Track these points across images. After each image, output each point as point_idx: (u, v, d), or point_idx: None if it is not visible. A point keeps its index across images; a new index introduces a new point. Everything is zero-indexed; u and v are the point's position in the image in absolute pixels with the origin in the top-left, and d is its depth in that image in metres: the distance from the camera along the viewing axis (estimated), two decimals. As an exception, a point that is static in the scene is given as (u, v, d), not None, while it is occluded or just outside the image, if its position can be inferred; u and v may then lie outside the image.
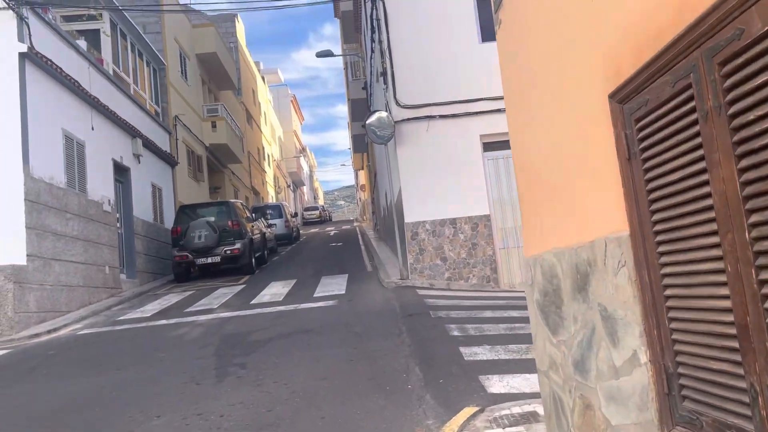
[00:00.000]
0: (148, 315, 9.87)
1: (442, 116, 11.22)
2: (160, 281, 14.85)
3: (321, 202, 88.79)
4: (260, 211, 24.65)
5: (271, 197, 40.07)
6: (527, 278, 3.16)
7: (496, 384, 4.47)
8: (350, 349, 5.99)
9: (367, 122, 11.25)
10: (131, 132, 14.55)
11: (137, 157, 14.88)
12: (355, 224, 41.45)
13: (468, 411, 3.89)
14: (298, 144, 59.98)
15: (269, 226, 22.37)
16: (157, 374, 5.73)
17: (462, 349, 5.56)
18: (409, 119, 11.23)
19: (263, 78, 43.90)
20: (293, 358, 5.83)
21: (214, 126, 22.61)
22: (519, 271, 10.99)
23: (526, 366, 4.92)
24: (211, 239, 14.03)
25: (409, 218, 11.06)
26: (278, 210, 25.41)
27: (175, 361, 6.23)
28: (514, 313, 7.35)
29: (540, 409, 3.61)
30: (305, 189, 66.51)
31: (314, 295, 10.18)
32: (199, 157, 21.23)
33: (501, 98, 10.43)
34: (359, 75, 22.79)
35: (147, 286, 14.02)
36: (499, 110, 11.14)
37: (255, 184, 33.81)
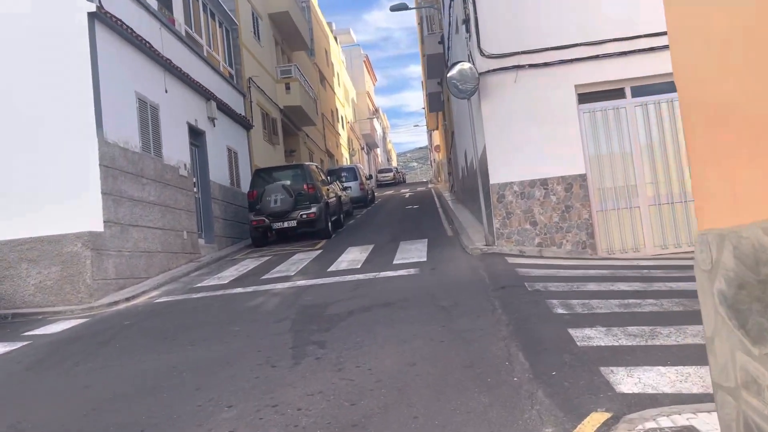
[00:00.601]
0: (225, 282, 9.61)
1: (531, 65, 10.13)
2: (238, 246, 14.74)
3: (394, 164, 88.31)
4: (335, 173, 24.32)
5: (345, 159, 39.82)
6: (701, 260, 2.31)
7: (624, 380, 3.67)
8: (439, 328, 5.32)
9: (447, 75, 10.34)
10: (205, 95, 14.29)
11: (212, 120, 14.65)
12: (430, 186, 40.62)
13: (597, 418, 3.13)
14: (371, 105, 59.31)
15: (344, 189, 21.98)
16: (231, 353, 5.28)
17: (572, 332, 4.76)
18: (494, 70, 10.22)
19: (335, 38, 43.23)
20: (376, 337, 5.23)
21: (287, 88, 22.25)
22: (619, 237, 9.93)
23: (656, 356, 4.08)
24: (287, 203, 13.68)
25: (494, 179, 10.17)
26: (353, 172, 24.97)
27: (249, 337, 5.79)
28: (623, 286, 6.43)
29: (699, 424, 2.80)
30: (378, 151, 66.07)
31: (394, 262, 9.57)
32: (273, 120, 20.95)
33: (600, 42, 9.09)
34: (435, 29, 21.63)
35: (225, 251, 13.91)
36: (597, 56, 9.96)
37: (329, 147, 33.54)
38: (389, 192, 36.79)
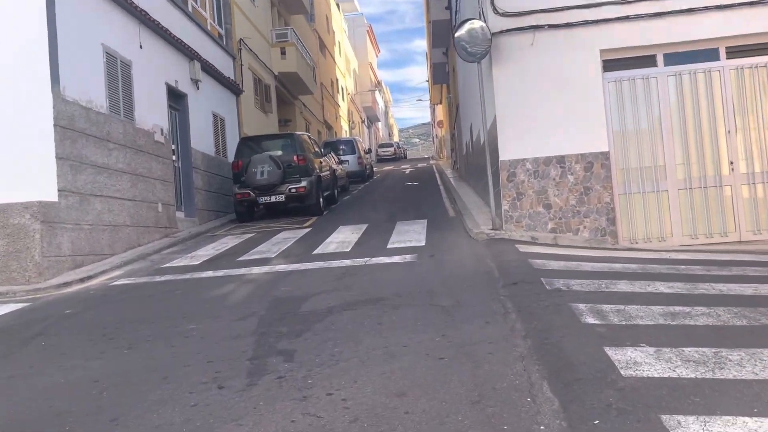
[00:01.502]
0: (197, 263, 8.51)
1: (551, 26, 8.88)
2: (221, 220, 13.62)
3: (396, 139, 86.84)
4: (332, 146, 23.15)
5: (344, 132, 38.52)
6: None
7: (700, 441, 2.57)
8: (438, 338, 4.22)
9: (455, 36, 9.09)
10: (188, 54, 13.02)
11: (195, 82, 13.41)
12: (432, 162, 39.41)
13: None
14: (374, 78, 57.68)
15: (341, 162, 20.80)
16: (174, 362, 4.19)
17: (611, 353, 3.65)
18: (509, 30, 8.97)
19: (338, 5, 41.55)
20: (358, 347, 4.13)
21: (283, 53, 20.91)
22: (644, 224, 8.79)
23: (733, 397, 2.98)
24: (275, 176, 12.53)
25: (505, 155, 9.00)
26: (351, 145, 23.76)
27: (203, 340, 4.69)
28: (662, 287, 5.31)
29: None
30: (380, 125, 64.58)
31: (388, 246, 8.46)
32: (267, 87, 19.66)
33: (631, 1, 7.78)
34: (442, -8, 20.19)
35: (207, 225, 12.79)
36: (627, 17, 8.71)
37: (328, 118, 32.22)
38: (389, 167, 35.57)
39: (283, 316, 5.17)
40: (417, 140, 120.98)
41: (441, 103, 38.30)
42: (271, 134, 13.10)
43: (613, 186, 8.83)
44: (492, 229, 8.83)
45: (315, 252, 8.55)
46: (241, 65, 16.93)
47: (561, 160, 8.87)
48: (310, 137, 14.76)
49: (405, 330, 4.46)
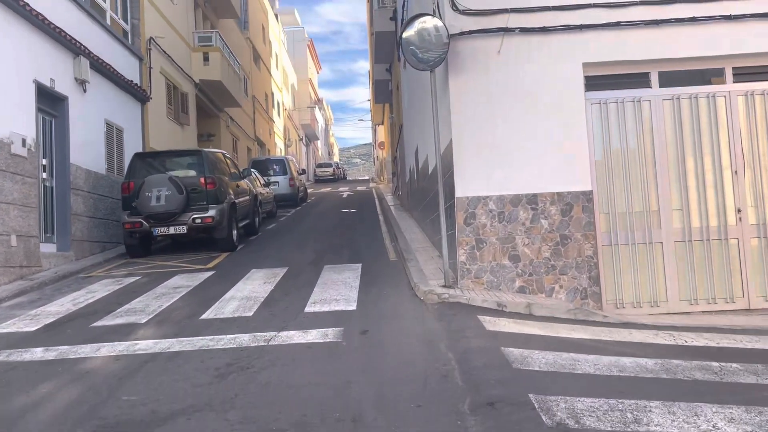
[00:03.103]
0: (34, 329, 6.04)
1: (524, 30, 7.02)
2: (109, 254, 11.01)
3: (336, 158, 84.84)
4: (260, 165, 20.79)
5: (279, 150, 36.08)
6: None
7: None
8: None
9: (403, 36, 7.08)
10: (73, 48, 10.49)
11: (82, 83, 10.86)
12: (371, 185, 37.47)
13: None
14: (314, 94, 55.50)
15: (269, 184, 18.47)
16: None
17: None
18: (471, 32, 7.05)
19: (276, 16, 39.31)
20: None
21: (206, 58, 18.47)
22: (632, 284, 6.96)
23: None
24: (175, 202, 10.10)
25: (463, 191, 7.00)
26: (282, 165, 21.43)
27: None
28: (720, 420, 3.34)
29: None
30: (319, 144, 62.34)
31: (306, 309, 6.26)
32: (184, 95, 17.14)
33: (623, 4, 5.72)
34: (387, 1, 18.37)
35: (86, 261, 10.18)
36: (618, 24, 6.95)
37: (260, 134, 29.76)
38: (326, 189, 33.35)
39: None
40: (358, 160, 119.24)
41: (383, 123, 36.54)
42: (174, 150, 10.68)
43: (597, 234, 6.97)
44: (444, 287, 6.77)
45: (205, 315, 6.24)
46: (150, 68, 14.41)
47: (533, 199, 6.95)
48: (225, 155, 12.38)
49: None
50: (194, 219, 10.24)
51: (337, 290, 7.10)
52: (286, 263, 9.33)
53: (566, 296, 6.85)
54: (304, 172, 25.67)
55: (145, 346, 5.20)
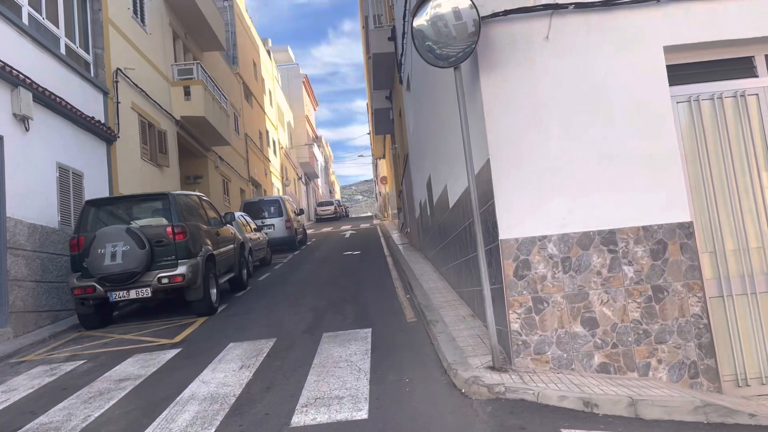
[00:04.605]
0: None
1: (579, 5, 5.12)
2: (59, 327, 8.95)
3: (338, 196, 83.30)
4: (253, 207, 18.92)
5: (277, 190, 34.27)
6: None
7: None
8: None
9: (413, 27, 5.16)
10: (7, 78, 8.66)
11: (23, 119, 9.00)
12: (375, 222, 35.56)
13: None
14: (311, 132, 54.02)
15: (261, 228, 16.51)
16: None
17: None
18: (506, 14, 5.14)
19: (269, 53, 38.00)
20: None
21: (187, 93, 16.70)
22: (754, 351, 4.89)
23: None
24: (135, 259, 8.10)
25: (508, 230, 4.98)
26: (277, 206, 19.51)
27: None
28: None
29: None
30: (319, 182, 60.64)
31: (293, 421, 4.19)
32: (162, 133, 15.30)
33: None
34: (383, 20, 16.69)
35: (25, 339, 8.13)
36: (713, -12, 5.01)
37: (255, 175, 27.95)
38: (327, 229, 31.41)
39: None
40: (360, 197, 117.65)
41: (384, 156, 34.77)
42: (136, 195, 8.76)
43: (704, 281, 4.93)
44: (493, 369, 4.70)
45: (150, 428, 4.18)
46: (118, 103, 12.59)
47: (609, 238, 4.93)
48: (200, 197, 10.41)
49: None
50: (160, 279, 8.22)
51: (340, 378, 5.04)
52: (274, 331, 7.28)
53: (668, 375, 4.77)
54: (302, 212, 23.72)
55: None
